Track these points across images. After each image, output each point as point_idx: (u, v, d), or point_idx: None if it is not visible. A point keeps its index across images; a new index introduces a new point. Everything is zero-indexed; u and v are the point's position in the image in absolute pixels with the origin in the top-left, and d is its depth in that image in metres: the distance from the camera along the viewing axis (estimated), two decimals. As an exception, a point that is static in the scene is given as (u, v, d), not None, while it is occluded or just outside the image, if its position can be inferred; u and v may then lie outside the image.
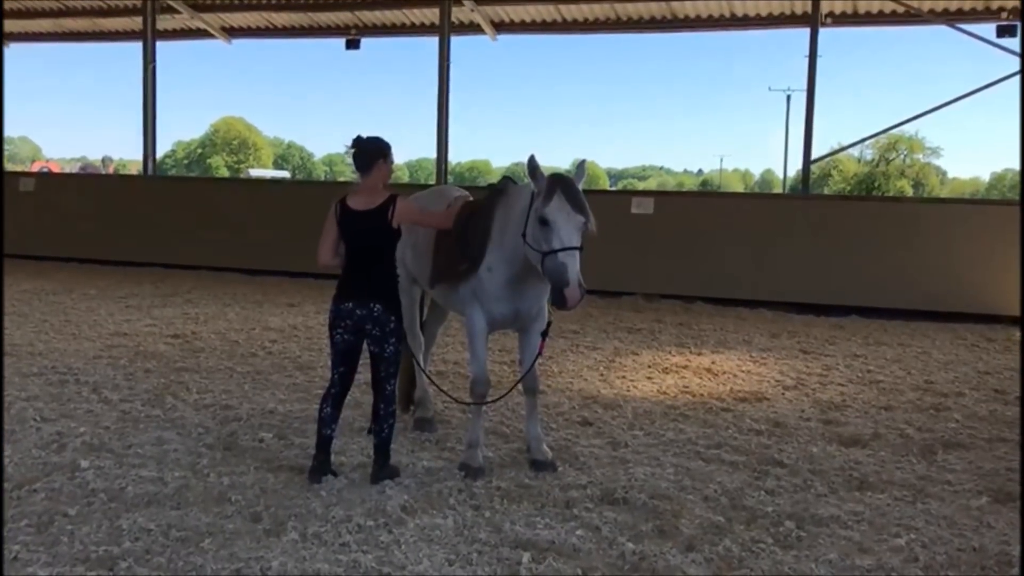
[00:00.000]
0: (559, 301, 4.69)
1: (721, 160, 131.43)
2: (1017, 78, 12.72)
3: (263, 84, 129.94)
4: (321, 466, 5.04)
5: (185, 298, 12.08)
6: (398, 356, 5.12)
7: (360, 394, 6.49)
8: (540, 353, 5.32)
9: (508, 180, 5.53)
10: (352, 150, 5.10)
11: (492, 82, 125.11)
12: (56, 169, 47.77)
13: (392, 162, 5.18)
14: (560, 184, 4.81)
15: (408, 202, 5.13)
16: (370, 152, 5.05)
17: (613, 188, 60.10)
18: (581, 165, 5.15)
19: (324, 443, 5.08)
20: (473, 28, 16.04)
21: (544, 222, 4.74)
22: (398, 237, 5.08)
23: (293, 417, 6.33)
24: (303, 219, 14.04)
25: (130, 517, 4.39)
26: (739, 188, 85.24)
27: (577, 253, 4.73)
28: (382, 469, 5.04)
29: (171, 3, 16.51)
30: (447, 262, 5.51)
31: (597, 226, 4.89)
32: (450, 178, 16.31)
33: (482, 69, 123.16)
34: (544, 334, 5.29)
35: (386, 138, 5.15)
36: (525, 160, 5.00)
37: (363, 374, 5.40)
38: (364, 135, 5.11)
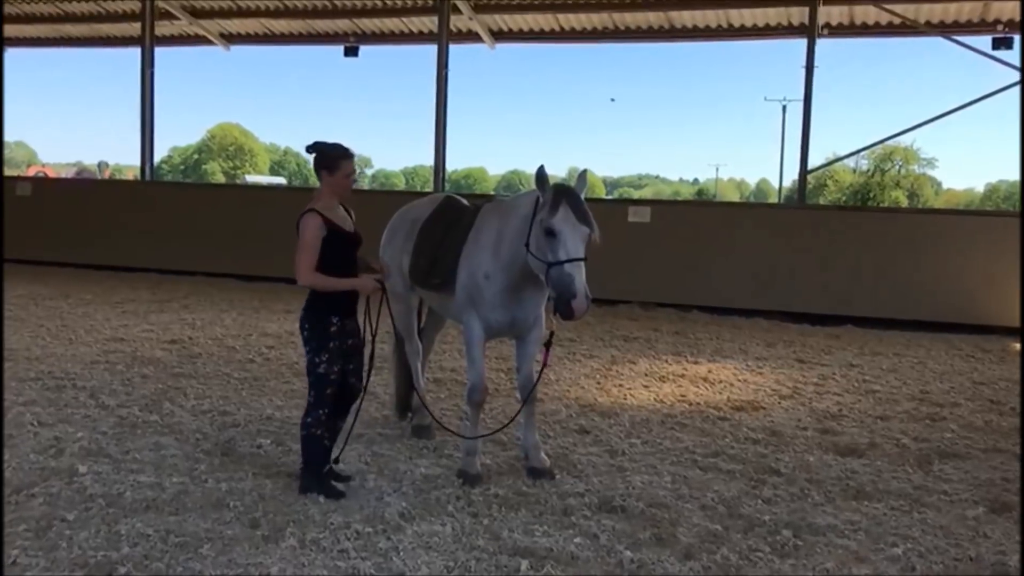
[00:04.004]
0: (565, 312, 4.70)
1: (717, 169, 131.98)
2: (1013, 90, 12.82)
3: (261, 90, 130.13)
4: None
5: (182, 304, 12.07)
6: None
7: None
8: (546, 364, 5.34)
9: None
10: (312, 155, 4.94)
11: (489, 90, 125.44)
12: (52, 174, 47.68)
13: (346, 174, 4.87)
14: (565, 195, 4.84)
15: (306, 223, 4.80)
16: (316, 160, 4.88)
17: (609, 197, 60.17)
18: (582, 175, 5.17)
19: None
20: (471, 36, 16.08)
21: (550, 233, 4.76)
22: None
23: (291, 423, 6.32)
24: (300, 225, 14.13)
25: (128, 522, 4.39)
26: (735, 198, 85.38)
27: (583, 264, 4.76)
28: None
29: (170, 9, 16.54)
30: (424, 270, 5.67)
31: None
32: (447, 185, 16.34)
33: (480, 77, 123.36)
34: (547, 344, 5.30)
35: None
36: (529, 171, 5.06)
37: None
38: (326, 141, 4.92)
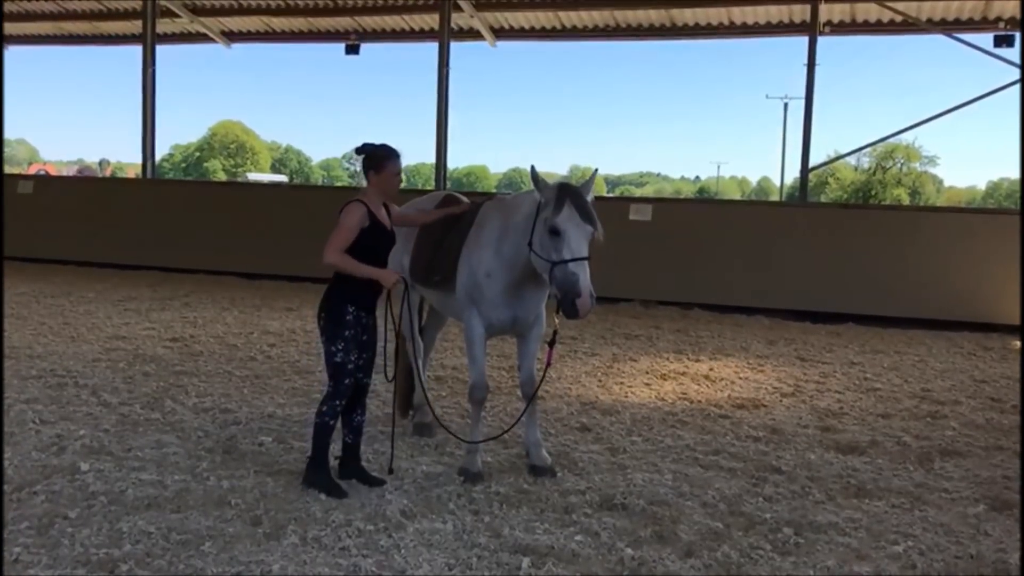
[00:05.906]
0: (570, 311, 4.70)
1: (718, 167, 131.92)
2: (1014, 88, 12.81)
3: (262, 88, 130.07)
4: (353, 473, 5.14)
5: (183, 302, 12.08)
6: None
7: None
8: (549, 363, 5.34)
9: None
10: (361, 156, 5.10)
11: (491, 88, 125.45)
12: (52, 172, 47.72)
13: (393, 172, 5.00)
14: (569, 194, 4.83)
15: (350, 210, 4.94)
16: (364, 162, 5.01)
17: (610, 195, 60.13)
18: (592, 177, 5.15)
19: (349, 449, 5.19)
20: (473, 34, 16.10)
21: (555, 232, 4.75)
22: None
23: (292, 421, 6.34)
24: (300, 223, 14.19)
25: (130, 520, 4.40)
26: (736, 195, 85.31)
27: (587, 263, 4.76)
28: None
29: (171, 7, 16.55)
30: (424, 268, 5.69)
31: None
32: (448, 183, 16.35)
33: (481, 75, 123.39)
34: (552, 343, 5.30)
35: (380, 141, 5.01)
36: (528, 169, 5.07)
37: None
38: (373, 143, 5.04)
